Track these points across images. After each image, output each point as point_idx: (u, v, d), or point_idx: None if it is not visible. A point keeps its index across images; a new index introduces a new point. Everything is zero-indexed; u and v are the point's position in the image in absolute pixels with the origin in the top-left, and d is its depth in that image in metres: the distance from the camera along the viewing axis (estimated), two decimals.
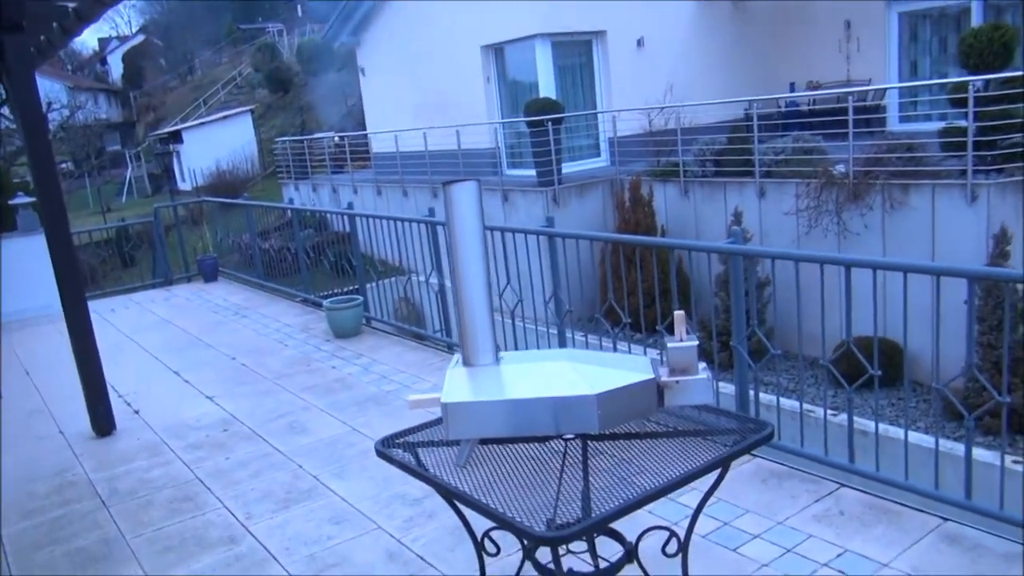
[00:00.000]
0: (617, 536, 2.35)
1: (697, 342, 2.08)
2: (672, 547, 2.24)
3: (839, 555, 2.85)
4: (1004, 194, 7.56)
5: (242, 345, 6.57)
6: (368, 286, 6.98)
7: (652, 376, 2.05)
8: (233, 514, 3.62)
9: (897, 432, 3.24)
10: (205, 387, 5.54)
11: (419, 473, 2.13)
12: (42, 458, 4.54)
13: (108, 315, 8.18)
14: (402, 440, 2.36)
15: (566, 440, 2.23)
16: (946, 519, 2.99)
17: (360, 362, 5.81)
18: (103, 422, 4.74)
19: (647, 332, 6.80)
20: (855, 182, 8.34)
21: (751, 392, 3.82)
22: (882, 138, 9.16)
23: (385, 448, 2.30)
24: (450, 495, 2.08)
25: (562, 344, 4.78)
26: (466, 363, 2.14)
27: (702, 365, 2.13)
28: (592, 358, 2.16)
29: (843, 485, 3.33)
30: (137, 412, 5.18)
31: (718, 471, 2.11)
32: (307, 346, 6.38)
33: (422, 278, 6.05)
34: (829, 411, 6.22)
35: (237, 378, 5.70)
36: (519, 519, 1.85)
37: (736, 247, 3.62)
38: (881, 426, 3.55)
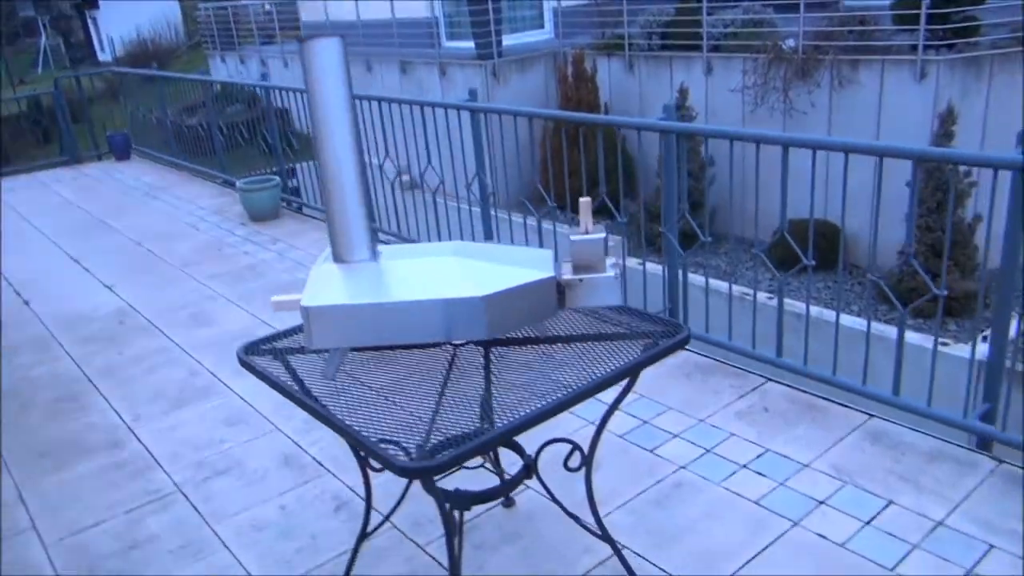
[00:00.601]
0: (517, 448, 2.13)
1: (603, 234, 1.79)
2: (575, 461, 2.03)
3: (760, 455, 2.71)
4: (953, 72, 7.30)
5: (150, 229, 6.10)
6: (301, 165, 6.47)
7: (551, 274, 1.76)
8: (120, 416, 3.33)
9: (830, 315, 3.07)
10: (105, 275, 5.13)
11: (280, 387, 1.84)
12: None
13: (6, 195, 7.56)
14: (271, 346, 2.06)
15: (455, 346, 1.96)
16: (872, 415, 2.86)
17: (275, 248, 5.43)
18: None
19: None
20: (804, 57, 7.97)
21: (680, 279, 3.59)
22: (835, 10, 8.73)
23: (248, 356, 2.00)
24: (317, 414, 1.81)
25: (487, 228, 4.47)
26: (337, 259, 1.82)
27: (611, 261, 1.86)
28: (485, 253, 1.86)
29: (769, 380, 3.17)
30: (27, 303, 4.77)
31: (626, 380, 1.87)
32: (220, 230, 5.95)
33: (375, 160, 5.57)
34: (764, 294, 6.13)
35: (141, 266, 5.28)
36: (384, 447, 1.59)
37: (668, 124, 3.29)
38: (814, 309, 3.37)
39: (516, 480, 2.03)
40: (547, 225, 4.15)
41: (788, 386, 3.11)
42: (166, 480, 2.85)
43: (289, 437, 3.05)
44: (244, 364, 1.97)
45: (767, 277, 7.55)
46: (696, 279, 3.75)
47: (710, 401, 3.06)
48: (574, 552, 2.33)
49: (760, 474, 2.61)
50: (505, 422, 1.65)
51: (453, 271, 1.75)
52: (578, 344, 1.95)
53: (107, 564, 2.46)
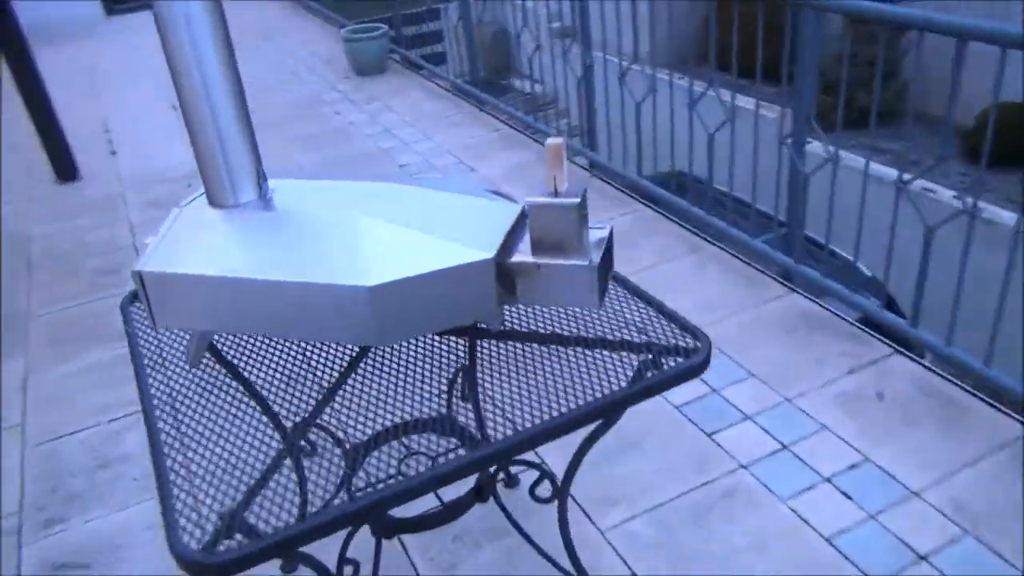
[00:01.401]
0: None
1: (577, 200, 1.13)
2: (545, 490, 1.48)
3: (854, 466, 2.02)
4: None
5: (253, 78, 5.78)
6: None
7: (487, 256, 1.14)
8: None
9: None
10: None
11: (139, 373, 1.39)
12: None
13: (127, 34, 7.49)
14: None
15: (346, 350, 1.41)
16: None
17: (370, 108, 4.95)
18: (62, 167, 4.22)
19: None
20: None
21: (801, 178, 2.76)
22: None
23: (131, 306, 1.55)
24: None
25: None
26: (211, 201, 1.29)
27: (597, 235, 1.20)
28: (420, 207, 1.26)
29: (899, 351, 2.40)
30: (114, 154, 4.63)
31: (597, 422, 1.26)
32: (322, 83, 5.53)
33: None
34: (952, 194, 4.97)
35: None
36: (174, 513, 1.08)
37: None
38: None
39: (462, 504, 1.51)
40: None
41: (924, 367, 2.33)
42: None
43: None
44: (124, 316, 1.53)
45: (958, 172, 6.23)
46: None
47: (808, 373, 2.35)
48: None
49: (846, 496, 1.94)
50: (377, 489, 1.12)
51: (351, 238, 1.17)
52: (542, 349, 1.35)
53: (70, 484, 2.24)
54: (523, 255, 1.17)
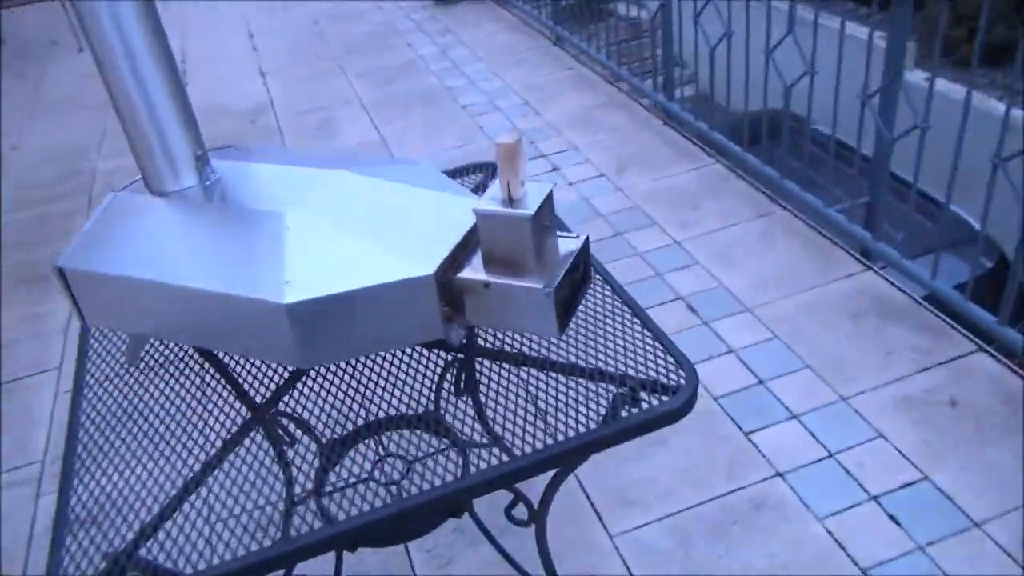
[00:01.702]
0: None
1: (531, 212, 0.93)
2: (522, 512, 1.33)
3: (909, 484, 1.78)
4: None
5: (331, 6, 5.64)
6: None
7: (426, 273, 0.97)
8: None
9: None
10: (266, 60, 4.82)
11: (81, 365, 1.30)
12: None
13: None
14: None
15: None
16: None
17: (443, 41, 4.74)
18: None
19: None
20: None
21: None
22: None
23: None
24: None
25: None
26: (147, 186, 1.16)
27: (567, 248, 1.01)
28: (377, 199, 1.09)
29: (983, 348, 2.09)
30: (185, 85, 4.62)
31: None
32: (398, 12, 5.34)
33: None
34: None
35: (303, 52, 4.89)
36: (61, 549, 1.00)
37: None
38: None
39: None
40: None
41: (1013, 371, 2.02)
42: None
43: None
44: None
45: None
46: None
47: (871, 368, 2.08)
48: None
49: (894, 520, 1.71)
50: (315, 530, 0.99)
51: (281, 242, 1.02)
52: (505, 369, 1.18)
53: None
54: (473, 271, 1.00)
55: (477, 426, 1.32)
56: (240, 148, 1.33)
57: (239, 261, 1.02)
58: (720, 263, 2.55)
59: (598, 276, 1.34)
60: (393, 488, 1.29)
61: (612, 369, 1.11)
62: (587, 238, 1.03)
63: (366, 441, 1.41)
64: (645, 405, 1.06)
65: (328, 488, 1.36)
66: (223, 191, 1.14)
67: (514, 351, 1.20)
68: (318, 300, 0.96)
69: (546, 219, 0.98)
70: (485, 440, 1.27)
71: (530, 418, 1.09)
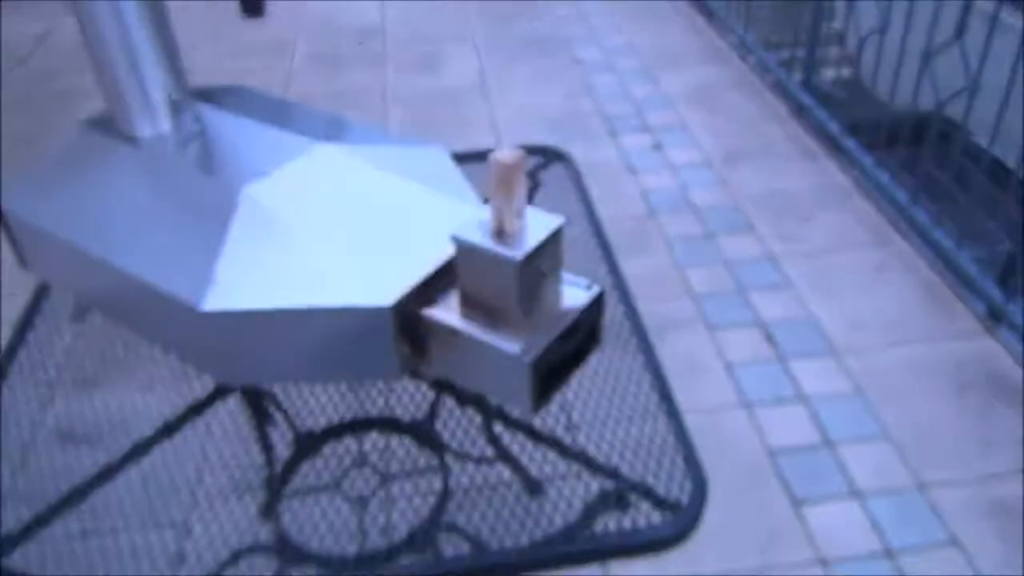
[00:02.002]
0: None
1: (520, 254, 0.71)
2: None
3: None
4: None
5: None
6: None
7: (382, 304, 0.77)
8: None
9: None
10: None
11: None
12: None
13: None
14: None
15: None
16: None
17: None
18: (249, 1, 4.15)
19: None
20: None
21: None
22: None
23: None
24: None
25: None
26: (116, 125, 1.00)
27: (571, 304, 0.78)
28: (363, 194, 0.89)
29: None
30: None
31: None
32: None
33: None
34: None
35: None
36: None
37: None
38: None
39: (392, 552, 1.21)
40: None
41: None
42: None
43: None
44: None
45: None
46: None
47: (965, 454, 1.76)
48: None
49: None
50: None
51: (225, 225, 0.84)
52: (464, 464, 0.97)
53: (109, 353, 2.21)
54: (445, 310, 0.79)
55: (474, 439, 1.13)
56: (247, 91, 1.15)
57: (174, 242, 0.85)
58: (817, 291, 2.24)
59: (632, 334, 1.11)
60: (358, 504, 1.13)
61: (604, 456, 0.89)
62: (600, 293, 0.81)
63: (345, 438, 1.25)
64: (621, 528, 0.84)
65: (286, 489, 1.22)
66: (195, 145, 0.96)
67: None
68: (244, 313, 0.78)
69: (546, 263, 0.76)
70: (488, 454, 1.08)
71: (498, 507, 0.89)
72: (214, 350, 0.80)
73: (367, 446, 1.21)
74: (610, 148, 2.93)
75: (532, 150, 1.41)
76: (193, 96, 1.05)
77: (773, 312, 2.17)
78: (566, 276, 0.78)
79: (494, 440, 1.06)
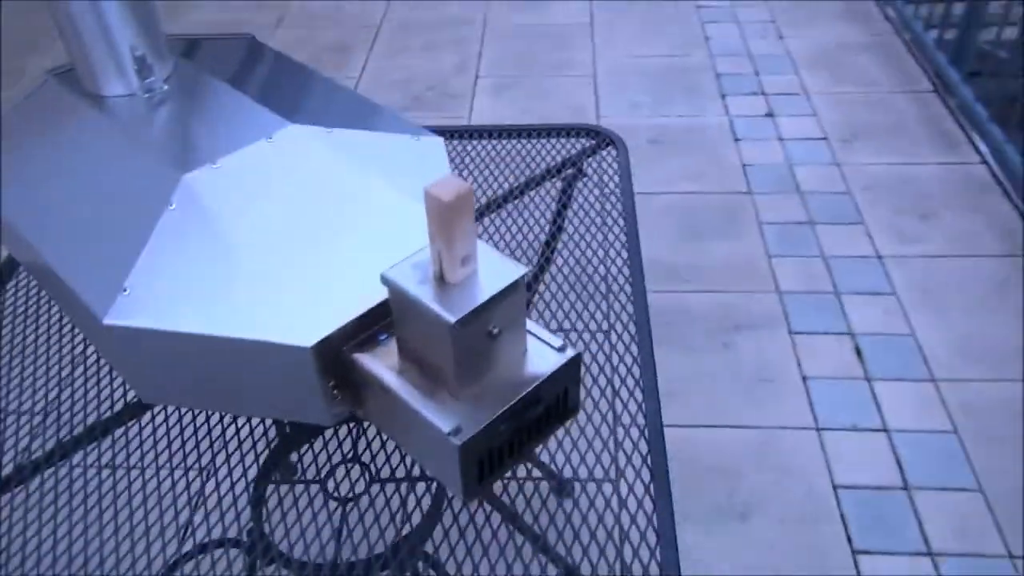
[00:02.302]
0: None
1: (457, 318, 0.55)
2: None
3: None
4: None
5: None
6: None
7: (302, 344, 0.63)
8: None
9: None
10: None
11: None
12: None
13: None
14: None
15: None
16: None
17: None
18: None
19: None
20: None
21: None
22: None
23: None
24: None
25: None
26: (81, 79, 0.89)
27: (535, 370, 0.62)
28: (324, 188, 0.75)
29: None
30: None
31: None
32: None
33: None
34: None
35: None
36: None
37: None
38: None
39: None
40: None
41: None
42: None
43: None
44: None
45: None
46: None
47: None
48: None
49: None
50: None
51: (151, 221, 0.72)
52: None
53: None
54: (379, 358, 0.64)
55: None
56: (250, 45, 1.01)
57: (100, 231, 0.74)
58: (924, 304, 1.95)
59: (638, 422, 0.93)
60: (345, 507, 1.03)
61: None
62: (576, 356, 0.64)
63: (340, 430, 1.15)
64: None
65: (275, 476, 1.13)
66: (157, 113, 0.84)
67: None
68: (145, 332, 0.66)
69: (499, 321, 0.59)
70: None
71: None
72: (126, 361, 0.69)
73: (361, 445, 1.09)
74: (716, 111, 2.65)
75: (578, 130, 1.22)
76: (178, 50, 0.92)
77: (868, 322, 1.91)
78: (538, 331, 0.61)
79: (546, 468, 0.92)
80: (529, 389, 0.61)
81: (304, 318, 0.64)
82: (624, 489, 0.86)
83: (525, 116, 2.67)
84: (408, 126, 0.84)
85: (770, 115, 2.62)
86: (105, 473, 0.94)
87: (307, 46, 3.15)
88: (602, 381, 0.99)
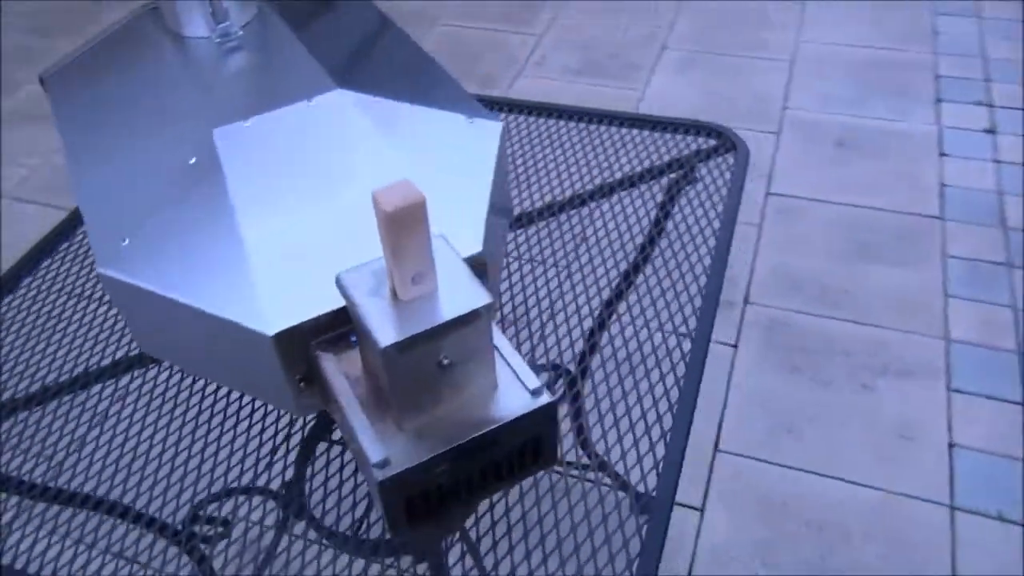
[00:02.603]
0: None
1: (394, 341, 0.47)
2: None
3: None
4: None
5: None
6: None
7: (264, 332, 0.57)
8: None
9: None
10: None
11: None
12: None
13: None
14: None
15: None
16: None
17: None
18: None
19: None
20: None
21: None
22: None
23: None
24: None
25: None
26: (163, 15, 0.87)
27: (513, 405, 0.53)
28: (347, 168, 0.69)
29: None
30: None
31: None
32: None
33: None
34: None
35: None
36: None
37: None
38: None
39: None
40: None
41: None
42: None
43: None
44: None
45: None
46: None
47: None
48: None
49: None
50: None
51: (168, 177, 0.69)
52: None
53: None
54: (340, 365, 0.58)
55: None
56: (364, 3, 0.96)
57: (122, 173, 0.72)
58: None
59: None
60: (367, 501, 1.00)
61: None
62: (549, 404, 0.54)
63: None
64: None
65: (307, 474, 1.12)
66: (224, 58, 0.81)
67: None
68: (130, 287, 0.63)
69: (453, 353, 0.51)
70: (582, 459, 0.88)
71: None
72: (124, 310, 0.67)
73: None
74: (924, 118, 2.32)
75: (696, 128, 1.08)
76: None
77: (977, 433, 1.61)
78: (520, 368, 0.53)
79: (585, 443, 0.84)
80: (483, 432, 0.52)
81: (278, 303, 0.59)
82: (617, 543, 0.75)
83: (703, 96, 2.48)
84: (471, 107, 0.76)
85: (991, 131, 2.26)
86: (143, 400, 0.95)
87: None
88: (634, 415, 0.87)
